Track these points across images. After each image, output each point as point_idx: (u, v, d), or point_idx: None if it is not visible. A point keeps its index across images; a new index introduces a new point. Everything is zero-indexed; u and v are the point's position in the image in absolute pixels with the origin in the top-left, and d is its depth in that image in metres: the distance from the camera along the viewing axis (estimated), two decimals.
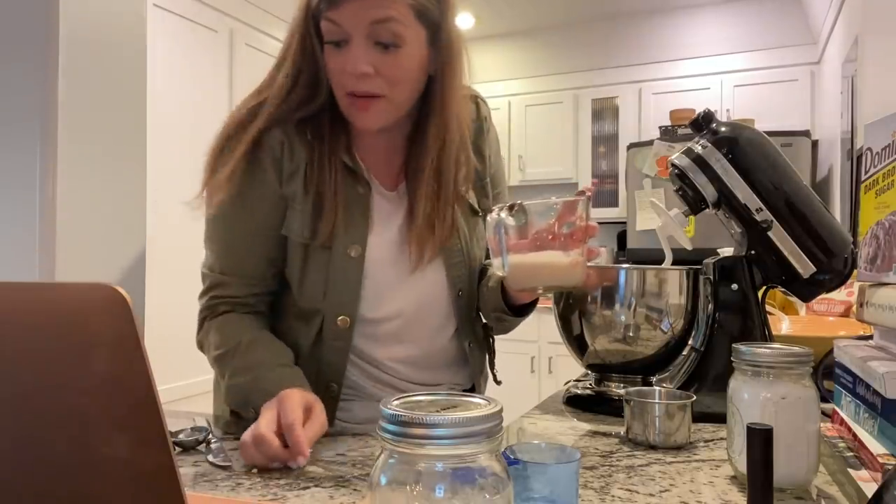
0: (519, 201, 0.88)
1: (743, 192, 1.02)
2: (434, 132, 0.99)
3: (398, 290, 1.02)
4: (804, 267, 1.01)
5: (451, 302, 1.07)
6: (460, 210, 1.06)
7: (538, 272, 0.90)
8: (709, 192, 1.04)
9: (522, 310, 1.05)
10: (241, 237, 1.02)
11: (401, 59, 0.90)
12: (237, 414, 1.02)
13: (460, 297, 1.07)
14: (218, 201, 0.99)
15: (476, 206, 1.10)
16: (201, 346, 1.08)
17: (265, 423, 0.78)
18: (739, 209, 1.03)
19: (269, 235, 1.00)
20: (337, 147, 0.98)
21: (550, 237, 0.88)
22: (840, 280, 1.04)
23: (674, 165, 1.07)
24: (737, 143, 1.03)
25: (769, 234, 1.02)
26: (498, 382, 1.18)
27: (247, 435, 0.78)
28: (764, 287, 1.05)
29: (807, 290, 1.05)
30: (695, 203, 1.07)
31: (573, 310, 1.06)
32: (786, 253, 1.02)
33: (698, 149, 1.04)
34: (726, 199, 1.04)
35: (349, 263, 0.98)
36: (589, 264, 0.92)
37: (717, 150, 1.03)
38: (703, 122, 1.06)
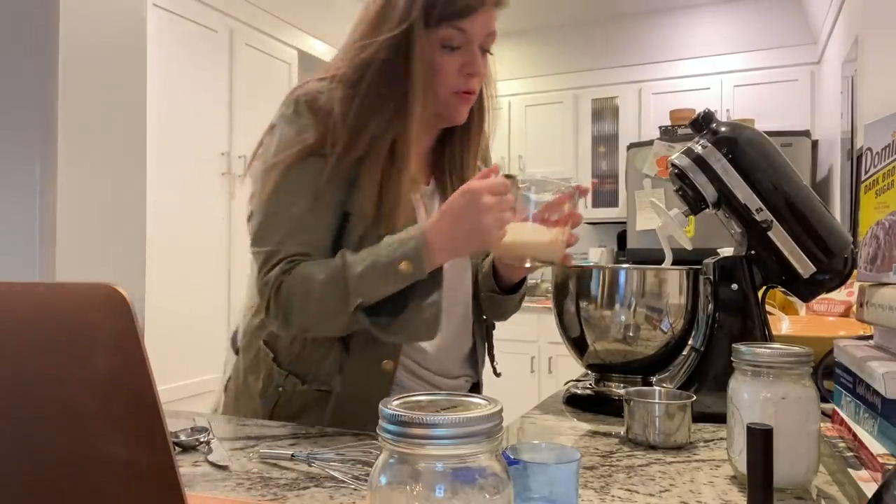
0: (517, 177, 0.95)
1: (743, 192, 1.02)
2: (477, 135, 1.11)
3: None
4: (804, 267, 1.02)
5: (470, 292, 1.13)
6: None
7: (525, 247, 0.96)
8: (709, 192, 1.04)
9: (512, 289, 1.12)
10: (314, 210, 0.98)
11: (488, 61, 1.06)
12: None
13: (474, 288, 1.14)
14: (281, 159, 0.99)
15: None
16: (286, 312, 0.95)
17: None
18: (739, 209, 1.03)
19: (336, 207, 0.99)
20: (407, 143, 1.01)
21: (540, 219, 0.95)
22: (840, 280, 1.04)
23: (674, 165, 1.07)
24: (737, 143, 1.03)
25: (769, 234, 1.02)
26: (497, 374, 1.20)
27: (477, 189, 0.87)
28: (764, 287, 1.05)
29: (807, 290, 1.05)
30: (695, 203, 1.07)
31: (573, 310, 1.06)
32: (786, 253, 1.02)
33: (698, 149, 1.04)
34: (726, 199, 1.04)
35: None
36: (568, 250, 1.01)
37: (717, 150, 1.03)
38: (703, 122, 1.06)
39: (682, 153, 1.07)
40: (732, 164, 1.02)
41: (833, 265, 1.02)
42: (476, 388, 1.19)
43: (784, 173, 1.04)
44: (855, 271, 0.94)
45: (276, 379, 1.03)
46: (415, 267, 0.89)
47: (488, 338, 1.20)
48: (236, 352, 1.11)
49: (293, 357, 1.02)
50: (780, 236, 1.02)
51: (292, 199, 0.98)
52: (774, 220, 1.01)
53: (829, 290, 1.06)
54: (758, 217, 1.02)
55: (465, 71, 1.00)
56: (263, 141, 1.05)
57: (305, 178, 0.98)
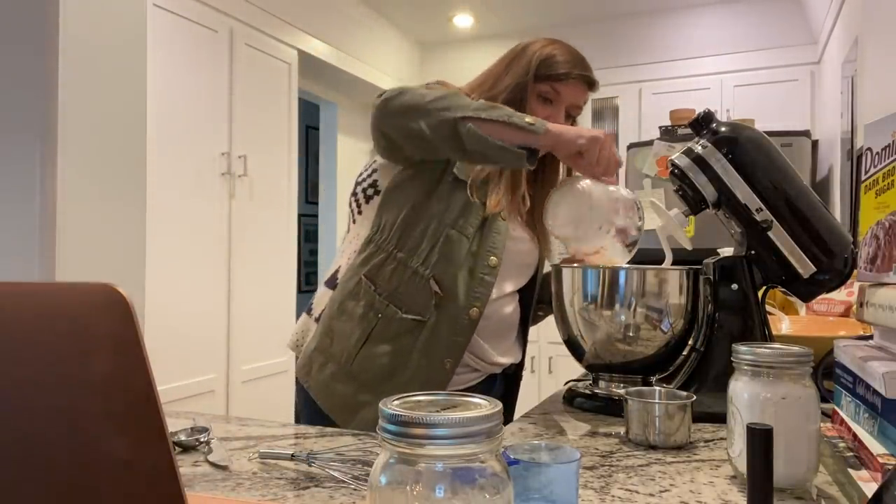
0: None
1: (743, 192, 1.02)
2: (556, 171, 1.36)
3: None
4: (804, 267, 1.01)
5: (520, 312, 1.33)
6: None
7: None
8: (709, 192, 1.04)
9: None
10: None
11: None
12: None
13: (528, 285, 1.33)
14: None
15: None
16: (399, 99, 1.13)
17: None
18: (739, 209, 1.03)
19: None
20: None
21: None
22: (840, 280, 1.04)
23: (674, 165, 1.07)
24: (737, 143, 1.03)
25: (769, 234, 1.02)
26: (531, 371, 1.45)
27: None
28: (764, 287, 1.05)
29: (807, 289, 1.05)
30: (695, 203, 1.07)
31: (573, 310, 1.06)
32: (786, 253, 1.02)
33: (698, 149, 1.04)
34: (726, 199, 1.04)
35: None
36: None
37: (717, 150, 1.03)
38: (703, 122, 1.06)
39: (682, 153, 1.07)
40: (732, 164, 1.02)
41: (833, 265, 1.02)
42: (518, 370, 1.37)
43: (784, 173, 1.04)
44: (855, 271, 0.94)
45: (377, 307, 1.20)
46: (539, 124, 1.04)
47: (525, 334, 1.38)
48: (332, 287, 1.29)
49: (392, 290, 1.20)
50: (780, 236, 1.02)
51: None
52: (774, 220, 1.01)
53: (830, 291, 1.06)
54: (758, 217, 1.02)
55: (550, 121, 1.21)
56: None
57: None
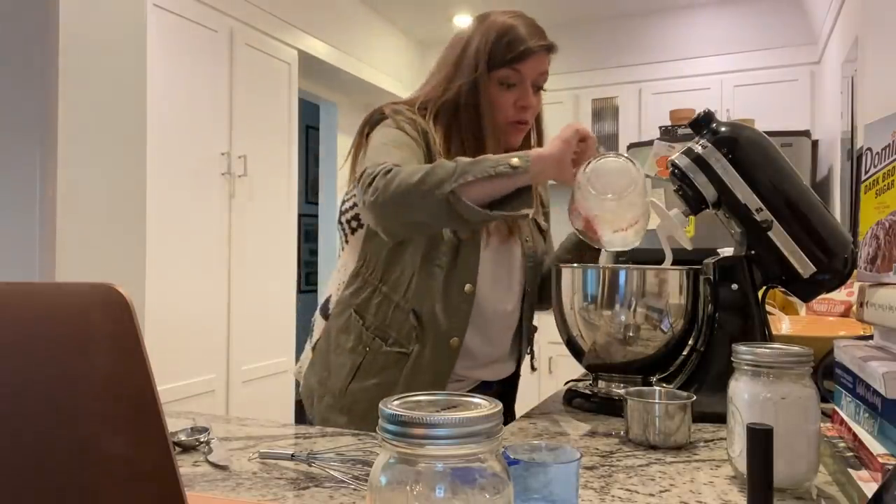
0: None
1: (743, 192, 1.02)
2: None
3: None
4: (804, 267, 1.01)
5: (520, 297, 1.29)
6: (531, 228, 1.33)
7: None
8: (709, 192, 1.04)
9: None
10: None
11: (541, 97, 1.28)
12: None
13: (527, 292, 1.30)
14: (389, 138, 1.17)
15: (539, 222, 1.36)
16: (389, 181, 1.04)
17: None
18: (739, 209, 1.03)
19: None
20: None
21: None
22: (840, 280, 1.04)
23: (674, 165, 1.07)
24: (737, 143, 1.03)
25: (769, 233, 1.02)
26: (534, 369, 1.35)
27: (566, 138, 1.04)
28: (764, 287, 1.05)
29: (807, 289, 1.05)
30: (695, 203, 1.07)
31: (573, 310, 1.06)
32: (786, 253, 1.02)
33: (698, 149, 1.04)
34: (726, 199, 1.04)
35: (473, 245, 1.22)
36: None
37: (717, 150, 1.03)
38: (702, 123, 1.06)
39: (682, 153, 1.06)
40: (732, 164, 1.02)
41: (833, 265, 1.02)
42: (513, 378, 1.35)
43: (784, 173, 1.04)
44: (855, 271, 0.94)
45: (364, 340, 1.21)
46: (522, 161, 1.01)
47: (530, 340, 1.35)
48: (326, 318, 1.29)
49: (378, 323, 1.20)
50: (780, 236, 1.02)
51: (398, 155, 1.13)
52: (774, 219, 1.01)
53: (829, 290, 1.06)
54: (758, 217, 1.02)
55: (519, 104, 1.21)
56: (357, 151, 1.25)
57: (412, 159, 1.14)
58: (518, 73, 1.20)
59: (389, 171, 1.04)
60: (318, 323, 1.32)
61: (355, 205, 1.25)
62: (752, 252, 1.04)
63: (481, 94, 1.20)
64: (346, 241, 1.30)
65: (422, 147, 1.18)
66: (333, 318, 1.27)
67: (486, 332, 1.24)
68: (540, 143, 1.31)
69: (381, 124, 1.20)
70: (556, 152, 1.03)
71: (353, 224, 1.27)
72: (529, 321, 1.33)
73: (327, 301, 1.31)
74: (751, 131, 1.05)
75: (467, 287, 1.19)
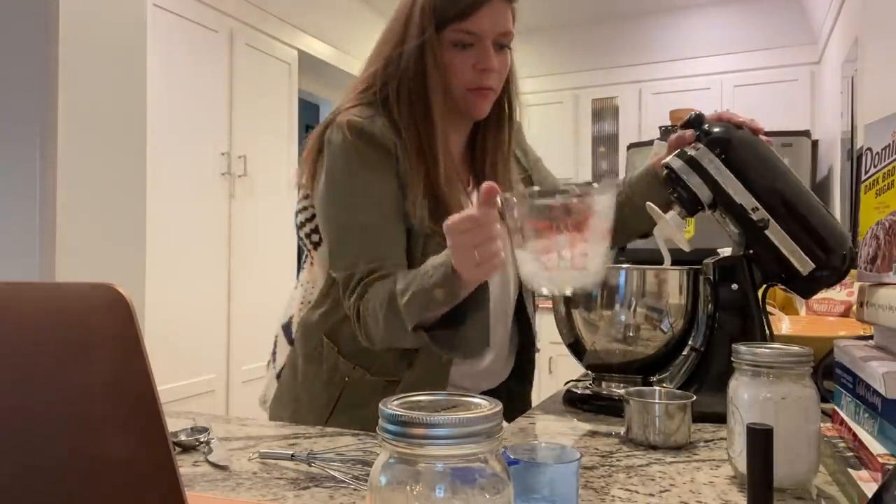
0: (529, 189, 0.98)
1: (738, 192, 1.02)
2: (508, 127, 1.14)
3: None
4: (803, 264, 1.01)
5: (513, 305, 1.17)
6: None
7: (526, 278, 0.88)
8: (703, 193, 1.04)
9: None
10: (377, 223, 1.03)
11: (508, 57, 1.09)
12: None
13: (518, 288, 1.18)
14: (342, 192, 1.04)
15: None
16: (367, 335, 1.01)
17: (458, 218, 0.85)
18: (735, 209, 1.03)
19: (399, 220, 1.04)
20: (433, 142, 1.06)
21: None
22: (838, 276, 1.04)
23: (667, 167, 1.07)
24: (729, 143, 1.03)
25: (766, 232, 1.02)
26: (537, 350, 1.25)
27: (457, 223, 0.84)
28: (764, 286, 1.05)
29: (806, 286, 1.05)
30: (690, 205, 1.06)
31: (573, 310, 1.06)
32: (784, 251, 1.02)
33: (691, 151, 1.04)
34: (721, 200, 1.03)
35: None
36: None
37: (709, 152, 1.03)
38: (694, 124, 1.06)
39: (675, 155, 1.06)
40: (726, 164, 1.02)
41: (831, 262, 1.02)
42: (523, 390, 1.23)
43: (778, 171, 1.04)
44: (854, 270, 0.94)
45: (342, 370, 1.08)
46: (446, 294, 0.90)
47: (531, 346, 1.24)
48: (290, 339, 1.16)
49: (357, 350, 1.06)
50: (777, 234, 1.01)
51: (360, 215, 1.03)
52: (771, 218, 1.01)
53: (829, 286, 1.06)
54: (754, 216, 1.01)
55: (478, 67, 1.04)
56: (312, 168, 1.10)
57: (370, 194, 1.03)
58: (473, 34, 1.03)
59: (359, 313, 0.99)
60: (282, 348, 1.20)
61: (314, 216, 1.12)
62: (751, 251, 1.04)
63: (428, 60, 1.03)
64: (311, 257, 1.17)
65: (392, 163, 1.04)
66: (299, 343, 1.14)
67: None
68: (511, 115, 1.15)
69: (342, 150, 1.04)
70: (463, 247, 0.85)
71: (315, 238, 1.13)
72: (525, 309, 1.20)
73: (290, 323, 1.18)
74: (743, 132, 1.05)
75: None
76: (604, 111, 4.50)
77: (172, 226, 2.84)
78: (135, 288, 2.24)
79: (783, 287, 1.07)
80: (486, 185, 0.83)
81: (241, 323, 3.20)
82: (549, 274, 0.78)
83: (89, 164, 2.10)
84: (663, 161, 1.08)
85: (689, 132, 1.06)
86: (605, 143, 4.48)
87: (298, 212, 1.16)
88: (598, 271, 0.79)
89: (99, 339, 0.41)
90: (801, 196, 1.03)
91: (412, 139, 1.05)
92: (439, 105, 1.04)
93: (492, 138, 1.14)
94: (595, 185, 0.78)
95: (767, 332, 1.03)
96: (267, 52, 3.44)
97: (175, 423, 0.92)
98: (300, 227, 1.16)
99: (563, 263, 0.77)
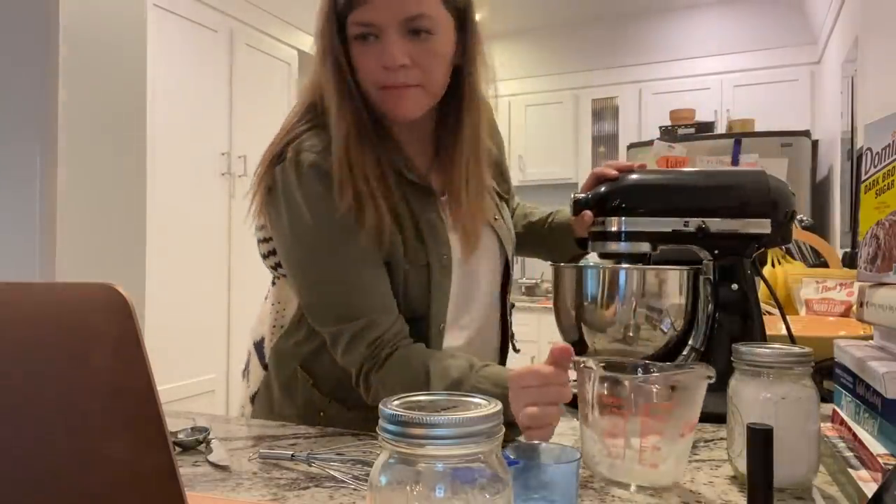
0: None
1: (660, 224, 1.02)
2: (468, 121, 0.99)
3: (460, 278, 1.01)
4: (761, 226, 1.01)
5: (499, 284, 1.09)
6: (489, 196, 1.06)
7: None
8: (639, 248, 1.04)
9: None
10: (353, 276, 0.93)
11: (433, 46, 0.91)
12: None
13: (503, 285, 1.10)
14: (307, 247, 0.93)
15: (499, 190, 1.12)
16: (374, 399, 0.92)
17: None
18: (671, 238, 1.02)
19: (376, 260, 0.94)
20: (389, 153, 0.96)
21: None
22: (786, 231, 1.03)
23: (602, 256, 1.08)
24: (618, 195, 1.03)
25: (712, 231, 1.02)
26: (517, 350, 1.19)
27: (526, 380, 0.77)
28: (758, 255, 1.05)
29: (782, 235, 1.05)
30: (641, 260, 1.05)
31: (573, 310, 1.06)
32: (739, 230, 1.01)
33: (599, 227, 1.05)
34: (655, 239, 1.04)
35: (443, 272, 0.97)
36: None
37: (612, 218, 1.03)
38: (584, 205, 1.06)
39: (591, 242, 1.07)
40: (629, 212, 1.02)
41: (779, 209, 1.01)
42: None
43: (681, 180, 1.05)
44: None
45: (318, 404, 0.99)
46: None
47: (509, 319, 1.15)
48: (264, 367, 1.07)
49: (335, 383, 0.98)
50: (722, 224, 1.01)
51: (333, 270, 0.93)
52: (703, 220, 1.01)
53: (784, 240, 1.06)
54: (692, 229, 1.01)
55: (380, 64, 0.90)
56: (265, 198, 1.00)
57: (338, 245, 0.92)
58: (368, 24, 0.89)
59: (369, 378, 0.91)
60: (255, 370, 1.10)
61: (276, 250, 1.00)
62: (716, 252, 1.04)
63: (344, 66, 0.92)
64: (278, 278, 1.07)
65: (347, 197, 0.91)
66: (273, 371, 1.05)
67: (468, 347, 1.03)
68: (459, 110, 0.99)
69: (302, 197, 0.93)
70: (517, 414, 0.78)
71: (282, 271, 1.00)
72: (508, 317, 1.14)
73: (262, 343, 1.08)
74: (623, 176, 1.05)
75: (441, 327, 0.97)
76: (604, 111, 4.50)
77: (172, 226, 2.84)
78: (135, 288, 2.24)
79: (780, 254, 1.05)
80: (559, 346, 0.76)
81: (242, 323, 3.20)
82: (612, 461, 0.70)
83: (89, 165, 2.10)
84: (587, 255, 1.07)
85: (587, 213, 1.04)
86: (605, 143, 4.48)
87: (260, 241, 1.05)
88: (669, 472, 0.69)
89: (99, 339, 0.41)
90: (710, 179, 1.04)
91: (372, 161, 0.93)
92: (336, 115, 0.92)
93: (448, 142, 1.00)
94: (686, 368, 0.72)
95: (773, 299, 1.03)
96: (267, 52, 3.44)
97: (175, 423, 0.92)
98: (264, 257, 1.04)
99: (629, 454, 0.68)
